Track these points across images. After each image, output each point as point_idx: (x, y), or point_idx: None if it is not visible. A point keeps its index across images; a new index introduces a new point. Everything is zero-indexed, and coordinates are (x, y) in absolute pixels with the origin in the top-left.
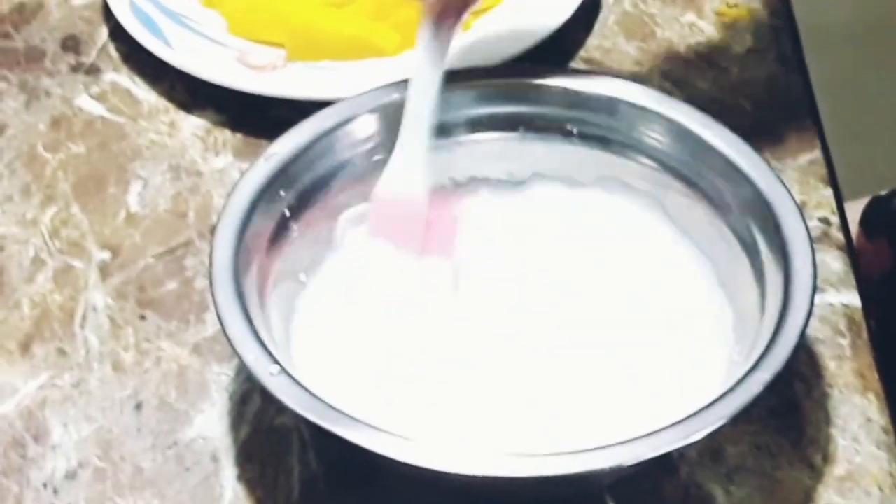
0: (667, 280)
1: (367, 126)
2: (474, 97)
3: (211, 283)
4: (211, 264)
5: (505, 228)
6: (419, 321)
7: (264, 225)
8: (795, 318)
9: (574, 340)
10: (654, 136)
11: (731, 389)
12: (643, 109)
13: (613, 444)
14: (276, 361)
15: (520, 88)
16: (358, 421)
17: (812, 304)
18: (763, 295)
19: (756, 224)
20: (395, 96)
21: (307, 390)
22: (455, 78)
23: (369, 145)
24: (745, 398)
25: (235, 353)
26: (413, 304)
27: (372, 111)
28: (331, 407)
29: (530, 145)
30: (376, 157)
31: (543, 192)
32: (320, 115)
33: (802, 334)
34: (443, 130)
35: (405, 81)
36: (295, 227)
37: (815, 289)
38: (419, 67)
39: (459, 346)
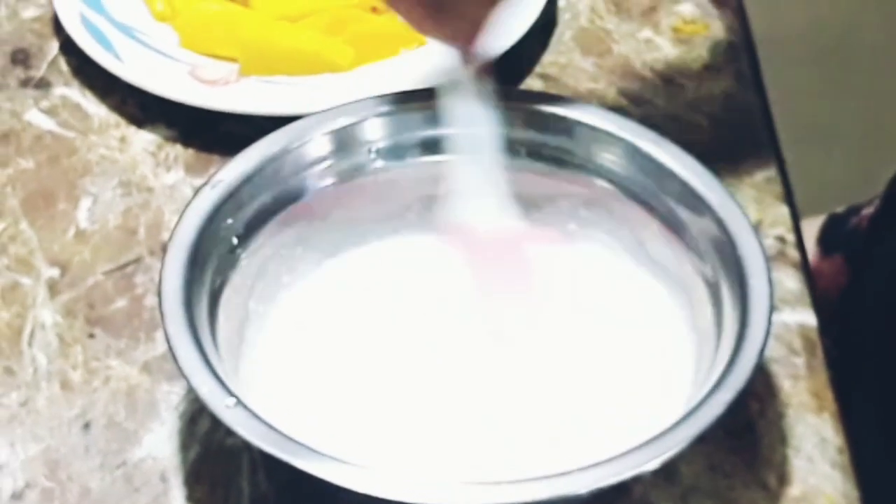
0: (625, 301)
1: (315, 151)
2: (425, 119)
3: (162, 315)
4: (160, 296)
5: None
6: (373, 348)
7: (213, 254)
8: (754, 338)
9: (532, 364)
10: (609, 157)
11: (693, 411)
12: (597, 130)
13: (574, 471)
14: (231, 393)
15: None
16: (318, 453)
17: (770, 323)
18: (720, 315)
19: (711, 244)
20: (343, 119)
21: (264, 422)
22: (406, 99)
23: (317, 170)
24: (707, 419)
25: (190, 385)
26: (367, 331)
27: (320, 135)
28: (289, 439)
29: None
30: (325, 183)
31: None
32: (267, 139)
33: (762, 353)
34: (394, 153)
35: (353, 104)
36: (243, 256)
37: (772, 308)
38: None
39: (414, 375)
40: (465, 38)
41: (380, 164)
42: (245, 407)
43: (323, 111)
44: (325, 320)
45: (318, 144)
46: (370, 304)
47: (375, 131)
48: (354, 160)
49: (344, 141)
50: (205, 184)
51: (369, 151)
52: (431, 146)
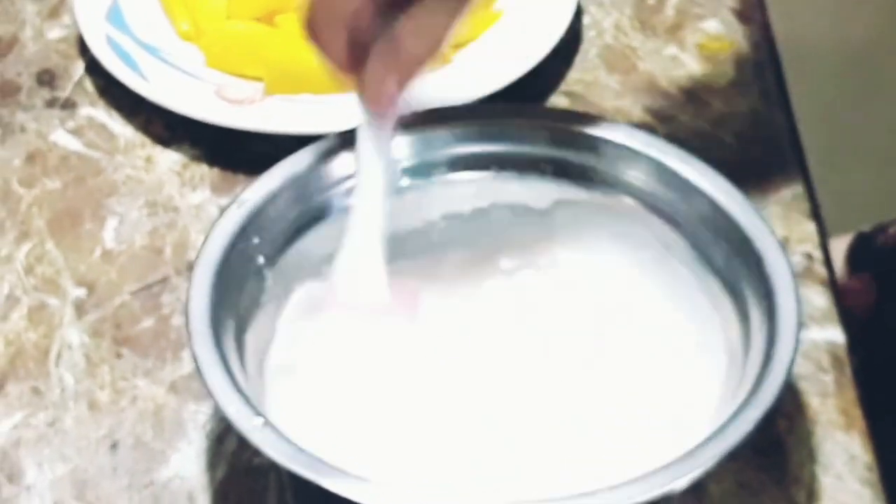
0: (652, 317)
1: (340, 169)
2: (452, 137)
3: (189, 335)
4: (187, 315)
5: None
6: (401, 366)
7: (239, 273)
8: (782, 355)
9: (557, 381)
10: (635, 175)
11: (723, 428)
12: (623, 147)
13: (604, 490)
14: (259, 413)
15: (497, 127)
16: (347, 474)
17: (798, 340)
18: (747, 332)
19: (739, 261)
20: None
21: (292, 443)
22: (433, 117)
23: (343, 188)
24: (737, 437)
25: (217, 405)
26: (395, 349)
27: (345, 153)
28: (318, 459)
29: (506, 184)
30: (351, 201)
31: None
32: (293, 158)
33: (790, 371)
34: (420, 171)
35: None
36: (270, 275)
37: (800, 325)
38: (363, 164)
39: (441, 393)
40: (387, 100)
41: (406, 181)
42: (273, 427)
43: (348, 130)
44: (352, 339)
45: (342, 163)
46: (397, 321)
47: (402, 149)
48: None
49: None
50: (231, 203)
51: (395, 169)
52: (458, 163)
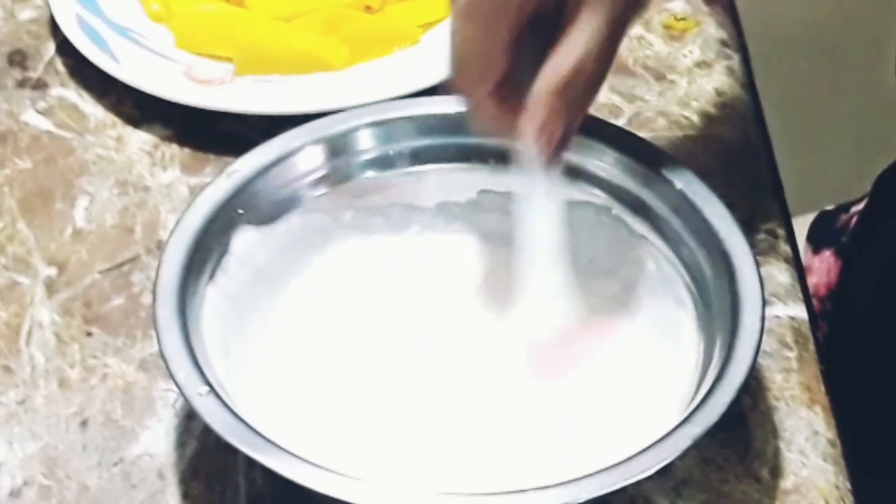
0: (619, 304)
1: (334, 149)
2: (415, 129)
3: (154, 298)
4: (157, 278)
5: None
6: (366, 350)
7: (218, 242)
8: (747, 341)
9: (525, 370)
10: (595, 163)
11: (693, 413)
12: (583, 136)
13: (570, 481)
14: (208, 382)
15: (458, 119)
16: (281, 449)
17: (762, 327)
18: (710, 318)
19: (698, 244)
20: (365, 119)
21: (233, 412)
22: (397, 109)
23: (329, 169)
24: (703, 426)
25: (168, 369)
26: (360, 333)
27: (341, 133)
28: (255, 431)
29: (469, 176)
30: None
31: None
32: (287, 135)
33: (755, 358)
34: (383, 163)
35: (374, 105)
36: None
37: (764, 314)
38: (537, 203)
39: (405, 378)
40: (558, 143)
41: (369, 174)
42: (217, 397)
43: (344, 111)
44: (317, 321)
45: (337, 143)
46: (363, 305)
47: (364, 142)
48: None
49: (357, 141)
50: (204, 188)
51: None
52: (421, 155)
